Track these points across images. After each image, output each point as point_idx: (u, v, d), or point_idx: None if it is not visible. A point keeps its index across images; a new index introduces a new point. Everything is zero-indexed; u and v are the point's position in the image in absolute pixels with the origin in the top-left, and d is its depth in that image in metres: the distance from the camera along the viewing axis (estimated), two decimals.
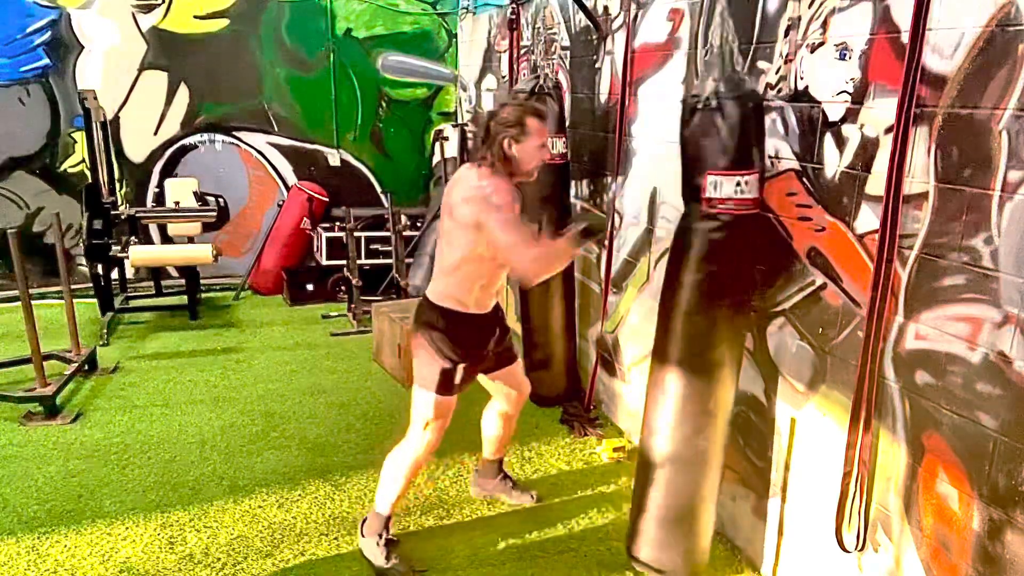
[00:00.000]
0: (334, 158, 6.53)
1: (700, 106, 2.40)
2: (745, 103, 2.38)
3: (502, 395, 3.12)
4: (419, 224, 6.17)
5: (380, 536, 2.87)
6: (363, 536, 2.92)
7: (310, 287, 6.13)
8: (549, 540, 3.08)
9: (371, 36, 6.40)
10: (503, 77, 5.35)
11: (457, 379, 2.74)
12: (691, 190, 2.50)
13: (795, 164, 2.57)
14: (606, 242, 3.90)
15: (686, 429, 2.62)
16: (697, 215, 2.49)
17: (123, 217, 5.46)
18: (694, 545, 2.72)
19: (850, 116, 2.33)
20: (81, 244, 5.46)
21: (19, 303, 4.07)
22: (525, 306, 4.20)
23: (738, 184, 2.41)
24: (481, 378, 2.99)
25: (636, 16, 3.54)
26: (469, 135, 5.91)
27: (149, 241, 6.18)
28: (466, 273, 2.66)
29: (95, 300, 5.50)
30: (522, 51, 4.89)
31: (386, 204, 6.01)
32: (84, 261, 5.48)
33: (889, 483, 2.28)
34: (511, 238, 2.46)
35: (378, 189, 6.65)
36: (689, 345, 2.57)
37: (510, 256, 2.51)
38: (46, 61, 5.74)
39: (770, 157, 2.66)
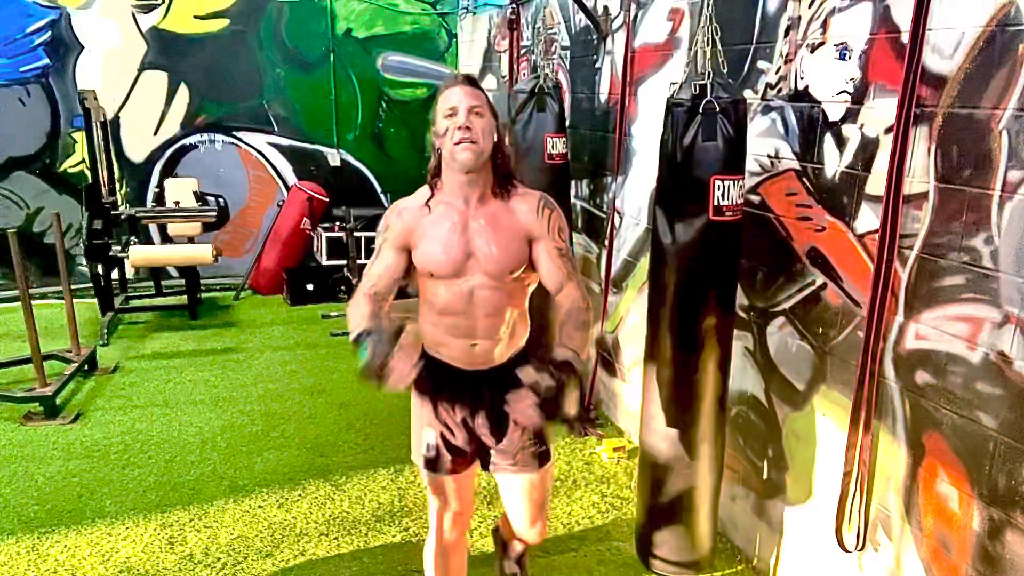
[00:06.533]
0: (334, 158, 6.54)
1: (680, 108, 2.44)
2: (711, 107, 2.37)
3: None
4: None
5: None
6: None
7: (310, 287, 6.13)
8: (549, 540, 3.08)
9: (371, 36, 6.40)
10: (503, 77, 5.35)
11: (426, 450, 2.11)
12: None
13: (795, 164, 2.57)
14: (606, 242, 3.90)
15: (680, 423, 2.65)
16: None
17: (123, 217, 5.46)
18: (697, 539, 2.75)
19: (850, 116, 2.33)
20: (81, 244, 5.46)
21: (19, 303, 4.08)
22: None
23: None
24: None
25: (636, 16, 3.54)
26: None
27: (149, 241, 6.18)
28: (421, 298, 2.13)
29: (95, 300, 5.50)
30: (522, 51, 4.89)
31: (386, 204, 6.01)
32: (84, 261, 5.48)
33: (889, 483, 2.28)
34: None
35: (378, 189, 6.65)
36: (674, 342, 2.64)
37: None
38: (46, 61, 5.75)
39: (770, 157, 2.66)
